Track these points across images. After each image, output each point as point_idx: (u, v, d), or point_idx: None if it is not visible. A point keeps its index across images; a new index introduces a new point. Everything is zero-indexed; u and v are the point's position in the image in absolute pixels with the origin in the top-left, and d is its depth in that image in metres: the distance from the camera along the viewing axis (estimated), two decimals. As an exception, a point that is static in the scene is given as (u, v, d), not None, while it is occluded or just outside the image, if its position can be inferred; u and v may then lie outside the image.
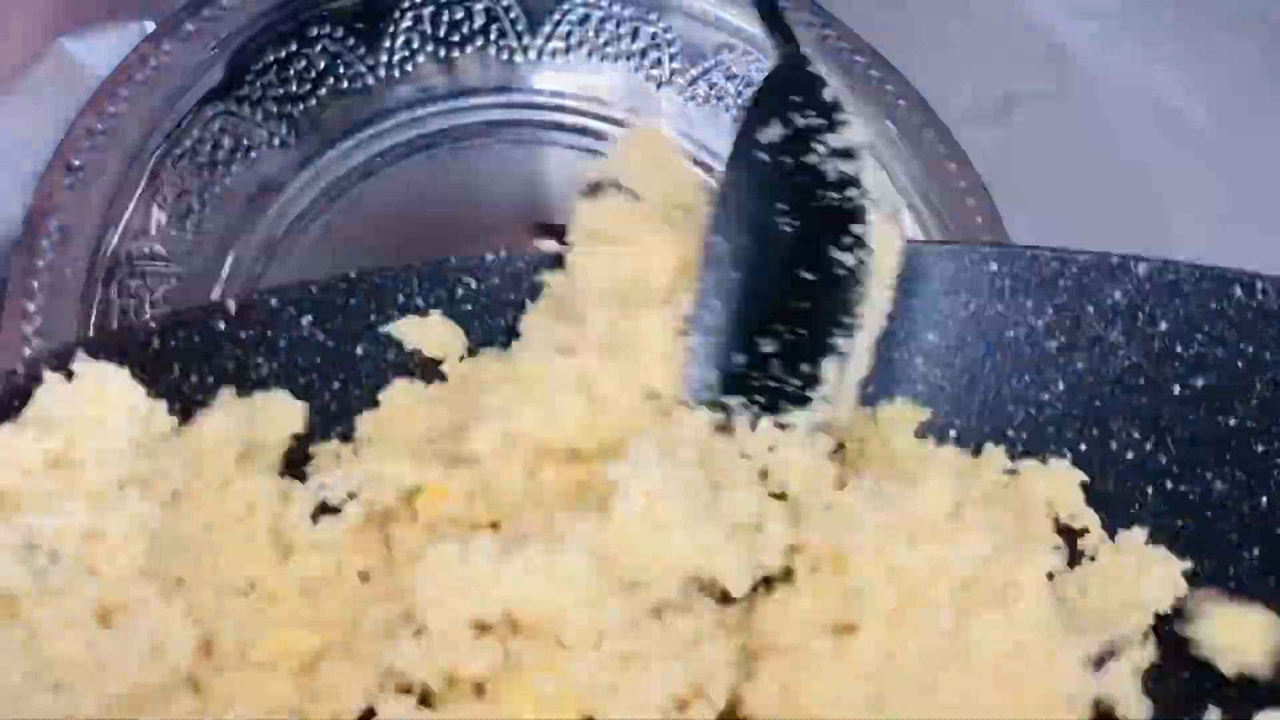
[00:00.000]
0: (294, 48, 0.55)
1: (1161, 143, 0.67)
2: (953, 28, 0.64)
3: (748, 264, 0.42)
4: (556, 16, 0.59)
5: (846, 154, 0.43)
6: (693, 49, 0.60)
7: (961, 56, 0.63)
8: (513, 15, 0.59)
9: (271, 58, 0.55)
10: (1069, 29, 0.65)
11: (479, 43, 0.59)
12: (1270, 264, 0.65)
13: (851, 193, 0.43)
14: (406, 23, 0.58)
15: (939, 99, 0.60)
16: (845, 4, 0.60)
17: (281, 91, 0.55)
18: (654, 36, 0.60)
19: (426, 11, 0.58)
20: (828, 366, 0.42)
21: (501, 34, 0.59)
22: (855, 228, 0.43)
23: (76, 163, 0.50)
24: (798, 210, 0.42)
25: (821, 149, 0.42)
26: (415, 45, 0.58)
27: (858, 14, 0.61)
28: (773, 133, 0.42)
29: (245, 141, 0.55)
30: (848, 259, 0.42)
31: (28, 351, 0.47)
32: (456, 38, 0.59)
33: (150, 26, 0.56)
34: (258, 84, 0.55)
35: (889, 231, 0.43)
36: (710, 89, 0.60)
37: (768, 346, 0.42)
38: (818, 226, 0.42)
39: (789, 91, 0.43)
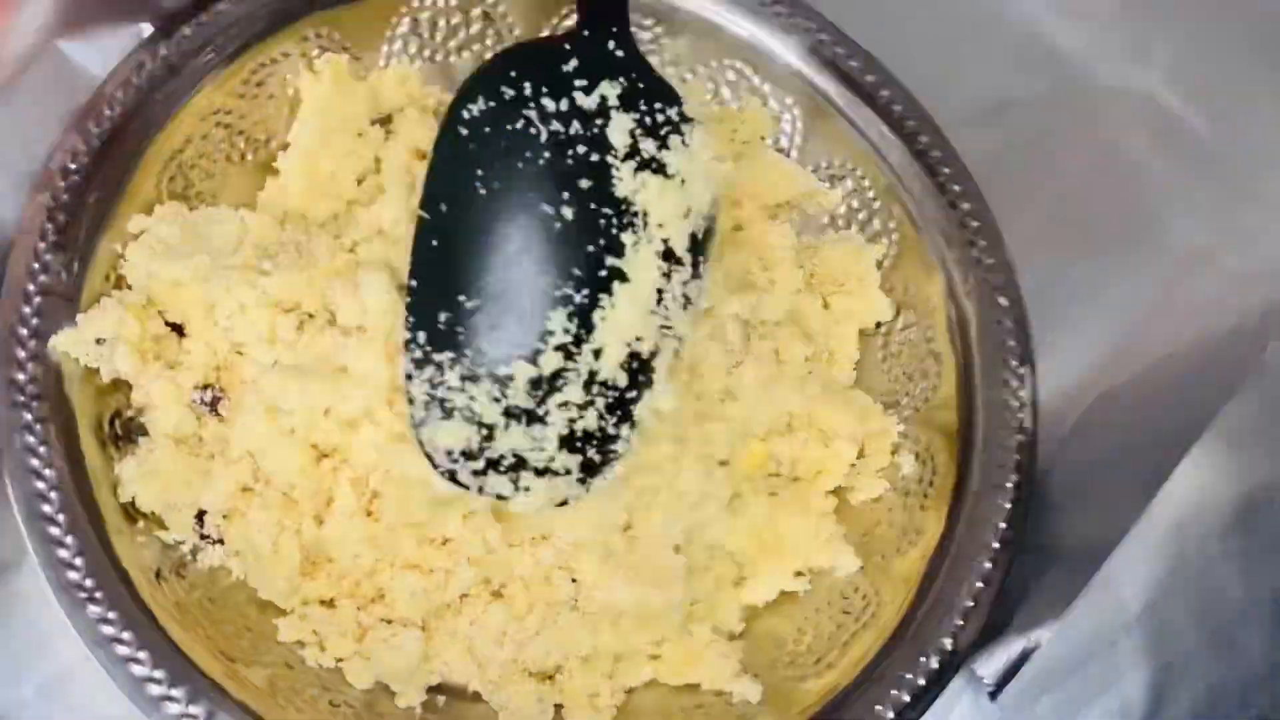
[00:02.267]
0: (290, 51, 0.55)
1: (1156, 144, 0.67)
2: (946, 31, 0.63)
3: (447, 230, 0.46)
4: (555, 20, 0.60)
5: (583, 116, 0.47)
6: (690, 55, 0.60)
7: (956, 60, 0.63)
8: (509, 19, 0.59)
9: (269, 60, 0.55)
10: (1063, 31, 0.65)
11: (475, 48, 0.59)
12: (1267, 262, 0.65)
13: (579, 150, 0.47)
14: (403, 28, 0.58)
15: (934, 103, 0.60)
16: (839, 7, 0.60)
17: (279, 95, 0.56)
18: (651, 41, 0.60)
19: (423, 17, 0.58)
20: (554, 316, 0.46)
21: (498, 38, 0.59)
22: (583, 183, 0.47)
23: (72, 166, 0.50)
24: (501, 175, 0.47)
25: (535, 114, 0.47)
26: (413, 49, 0.58)
27: (851, 18, 0.61)
28: (477, 107, 0.47)
29: (241, 144, 0.55)
30: (566, 212, 0.46)
31: (21, 353, 0.47)
32: (453, 42, 0.59)
33: (147, 30, 0.56)
34: (254, 87, 0.55)
35: (654, 183, 0.47)
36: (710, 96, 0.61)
37: (472, 304, 0.46)
38: (530, 186, 0.47)
39: (510, 68, 0.48)
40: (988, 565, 0.50)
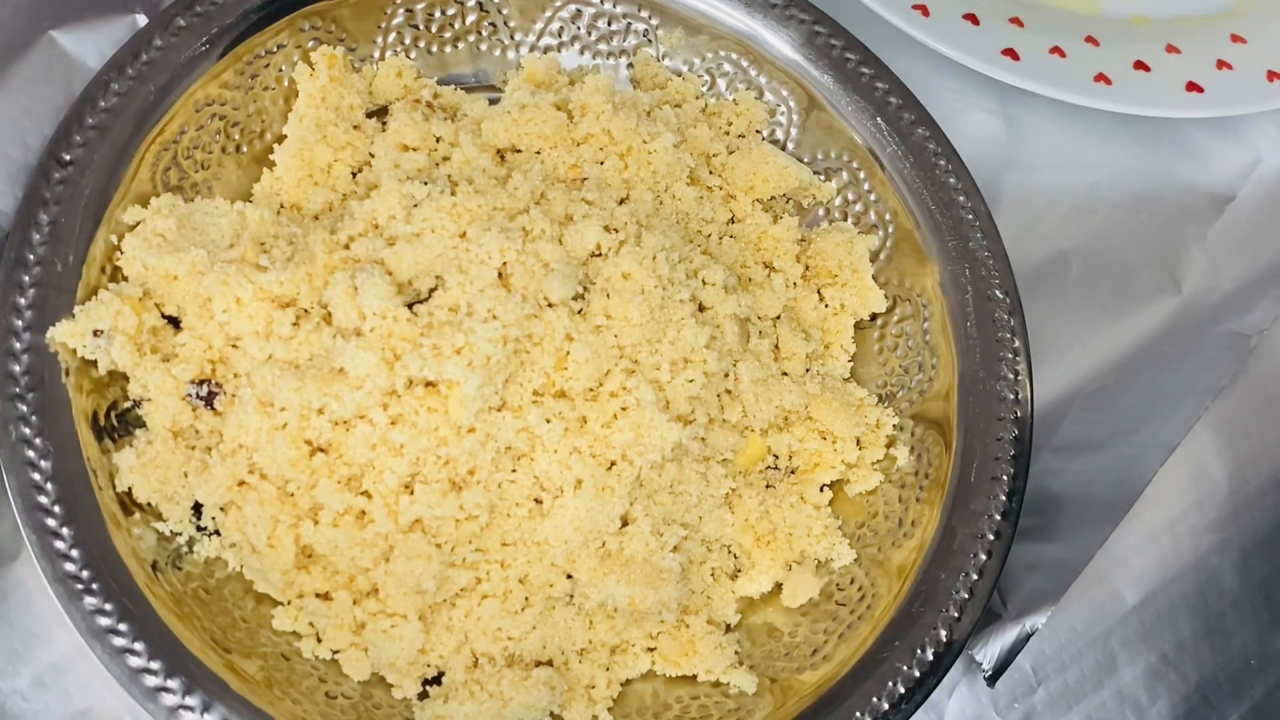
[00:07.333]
0: (285, 42, 0.55)
1: (1156, 139, 0.67)
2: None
3: None
4: (548, 13, 0.59)
5: None
6: (685, 47, 0.60)
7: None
8: (505, 11, 0.59)
9: (264, 51, 0.55)
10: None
11: (471, 38, 0.59)
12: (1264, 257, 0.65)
13: None
14: (399, 18, 0.58)
15: (930, 96, 0.60)
16: (836, 0, 0.61)
17: (274, 86, 0.56)
18: (645, 34, 0.60)
19: (418, 8, 0.58)
20: None
21: (494, 29, 0.59)
22: None
23: (67, 157, 0.50)
24: None
25: None
26: (408, 40, 0.58)
27: (849, 10, 0.61)
28: None
29: (236, 136, 0.55)
30: None
31: (17, 344, 0.47)
32: (449, 33, 0.59)
33: (142, 20, 0.56)
34: (249, 79, 0.55)
35: None
36: (706, 88, 0.61)
37: None
38: None
39: None
40: (983, 557, 0.50)
